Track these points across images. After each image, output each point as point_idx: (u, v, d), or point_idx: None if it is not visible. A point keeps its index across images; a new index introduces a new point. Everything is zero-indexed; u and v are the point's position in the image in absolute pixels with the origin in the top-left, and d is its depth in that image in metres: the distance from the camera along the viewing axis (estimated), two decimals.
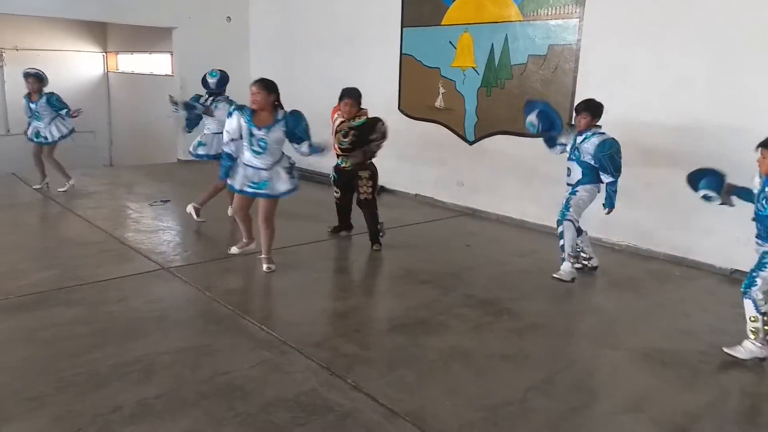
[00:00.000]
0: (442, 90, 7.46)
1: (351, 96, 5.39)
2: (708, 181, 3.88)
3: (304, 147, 4.78)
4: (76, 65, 13.78)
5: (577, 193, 4.85)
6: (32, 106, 7.36)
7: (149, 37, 11.60)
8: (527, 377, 3.40)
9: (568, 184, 4.95)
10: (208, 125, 6.44)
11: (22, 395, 2.99)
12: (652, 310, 4.42)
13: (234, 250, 5.29)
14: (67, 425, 2.76)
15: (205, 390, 3.09)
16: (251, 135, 4.61)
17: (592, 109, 4.79)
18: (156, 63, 12.27)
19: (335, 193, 5.83)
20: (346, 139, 5.39)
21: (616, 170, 4.66)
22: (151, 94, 12.09)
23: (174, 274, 4.82)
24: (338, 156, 5.52)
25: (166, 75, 11.44)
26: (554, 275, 4.90)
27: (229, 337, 3.75)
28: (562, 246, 4.89)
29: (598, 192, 4.88)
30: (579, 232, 5.01)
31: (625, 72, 5.73)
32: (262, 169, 4.69)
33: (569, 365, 3.66)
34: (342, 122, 5.42)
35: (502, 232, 6.57)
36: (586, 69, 6.06)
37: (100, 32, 13.83)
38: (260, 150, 4.63)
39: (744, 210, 4.02)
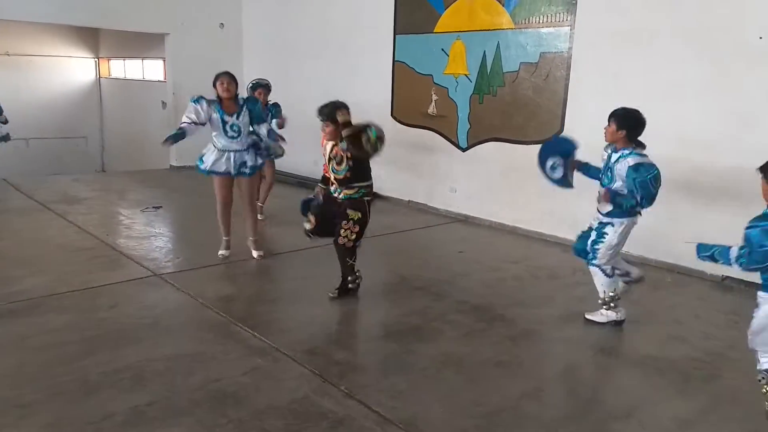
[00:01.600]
0: (434, 97, 7.49)
1: (331, 118, 4.35)
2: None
3: (263, 128, 5.28)
4: (68, 71, 13.77)
5: (606, 236, 4.00)
6: None
7: (142, 43, 11.60)
8: (520, 384, 3.40)
9: (598, 211, 4.08)
10: None
11: (12, 402, 2.97)
12: (645, 317, 4.44)
13: (223, 252, 5.40)
14: None
15: (198, 397, 3.08)
16: (224, 122, 5.07)
17: (621, 119, 3.88)
18: (148, 69, 12.26)
19: (306, 223, 4.57)
20: (342, 166, 4.37)
21: (647, 201, 3.83)
22: (143, 100, 12.08)
23: (166, 281, 4.80)
24: (331, 184, 4.51)
25: (159, 81, 11.44)
26: (587, 316, 4.29)
27: (221, 344, 3.73)
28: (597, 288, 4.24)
29: (635, 224, 4.04)
30: (612, 273, 4.15)
31: (616, 79, 5.78)
32: (242, 150, 5.18)
33: (562, 372, 3.67)
34: (333, 146, 4.41)
35: (495, 238, 6.58)
36: (577, 76, 6.10)
37: (92, 38, 13.81)
38: (235, 134, 5.12)
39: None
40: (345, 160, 4.36)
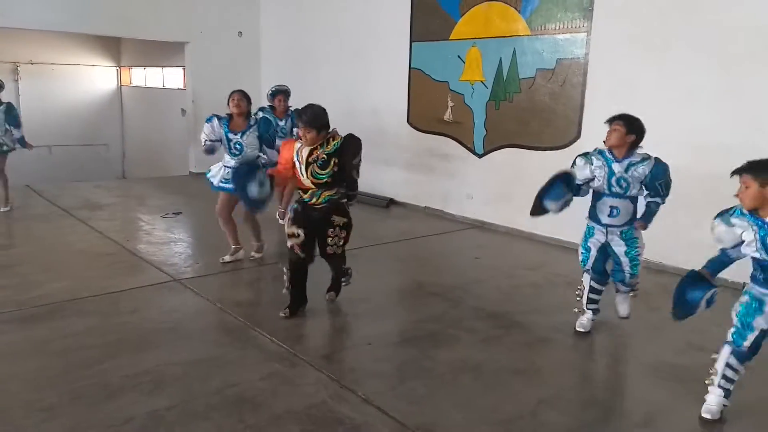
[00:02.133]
0: (450, 103, 7.50)
1: (312, 124, 4.03)
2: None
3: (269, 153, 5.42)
4: (90, 79, 13.98)
5: (639, 243, 3.96)
6: None
7: (162, 52, 11.76)
8: (538, 391, 3.38)
9: (611, 225, 3.93)
10: None
11: (34, 406, 3.02)
12: (664, 324, 4.38)
13: (226, 258, 5.46)
14: None
15: (216, 402, 3.11)
16: (229, 140, 5.18)
17: (632, 124, 3.82)
18: (168, 77, 12.43)
19: (296, 235, 4.22)
20: (326, 171, 4.08)
21: (667, 194, 3.90)
22: (163, 108, 12.24)
23: (185, 286, 4.86)
24: (305, 192, 4.19)
25: (179, 89, 11.58)
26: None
27: (239, 348, 3.76)
28: (619, 309, 4.19)
29: None
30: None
31: (632, 86, 5.74)
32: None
33: (580, 379, 3.65)
34: (313, 150, 4.09)
35: (512, 244, 6.56)
36: (594, 83, 6.07)
37: (113, 47, 14.03)
38: (236, 152, 5.19)
39: None
40: (331, 164, 4.09)
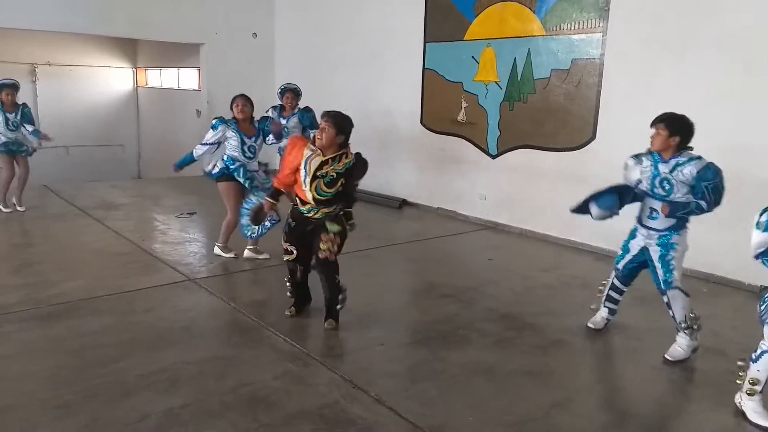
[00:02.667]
0: (464, 104, 7.48)
1: (336, 122, 3.88)
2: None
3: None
4: (107, 80, 14.14)
5: (676, 248, 3.76)
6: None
7: (177, 53, 11.86)
8: (551, 394, 3.36)
9: (651, 228, 3.81)
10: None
11: (50, 404, 3.06)
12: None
13: (233, 254, 5.60)
14: None
15: (230, 401, 3.12)
16: (243, 143, 5.30)
17: (675, 125, 3.65)
18: (184, 78, 12.52)
19: (290, 252, 4.13)
20: (332, 189, 3.90)
21: (716, 203, 3.64)
22: (178, 109, 12.34)
23: (200, 285, 4.89)
24: (303, 204, 4.00)
25: (194, 90, 11.67)
26: (667, 356, 3.81)
27: (253, 348, 3.78)
28: (675, 317, 3.81)
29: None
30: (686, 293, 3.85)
31: (648, 86, 5.70)
32: (254, 171, 5.40)
33: (594, 382, 3.63)
34: (323, 164, 3.88)
35: (525, 246, 6.53)
36: (609, 83, 6.03)
37: (130, 48, 14.17)
38: (251, 155, 5.37)
39: None
40: (338, 184, 3.90)
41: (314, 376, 3.43)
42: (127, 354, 3.61)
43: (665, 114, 3.70)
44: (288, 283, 4.34)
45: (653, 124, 3.71)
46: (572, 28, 6.27)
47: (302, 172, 3.91)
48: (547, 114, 6.60)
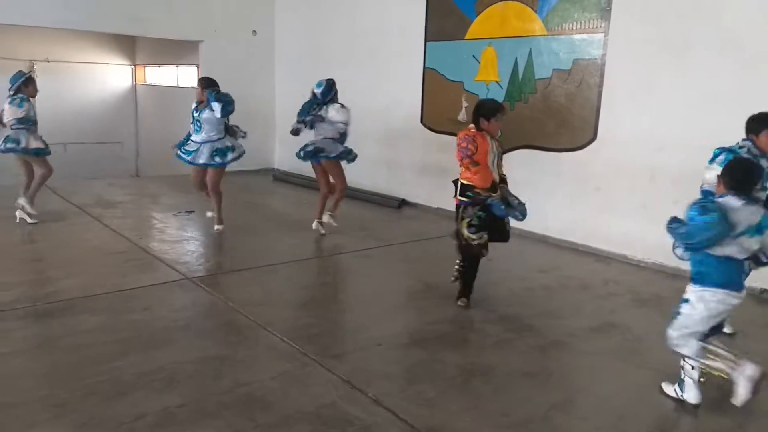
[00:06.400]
0: (465, 104, 7.46)
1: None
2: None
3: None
4: (105, 77, 14.10)
5: None
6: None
7: (176, 51, 11.82)
8: (549, 395, 3.35)
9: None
10: (318, 131, 6.33)
11: (46, 402, 3.04)
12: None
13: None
14: None
15: (227, 400, 3.11)
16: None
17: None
18: (182, 76, 12.49)
19: (481, 238, 4.37)
20: (502, 162, 4.58)
21: None
22: (177, 106, 12.30)
23: (197, 284, 4.87)
24: (484, 190, 4.32)
25: (193, 87, 11.62)
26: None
27: (250, 347, 3.77)
28: None
29: None
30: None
31: (650, 87, 5.68)
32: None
33: (593, 384, 3.61)
34: (494, 143, 4.46)
35: (525, 247, 6.51)
36: (611, 84, 6.01)
37: (129, 45, 14.13)
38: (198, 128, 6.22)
39: None
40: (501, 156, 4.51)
41: (312, 377, 3.41)
42: (123, 352, 3.59)
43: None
44: (462, 272, 4.59)
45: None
46: (574, 28, 6.25)
47: (490, 156, 4.37)
48: (548, 114, 6.59)
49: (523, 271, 5.63)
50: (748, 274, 3.37)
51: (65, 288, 4.63)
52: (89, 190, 8.42)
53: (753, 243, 2.96)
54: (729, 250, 2.95)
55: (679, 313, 3.17)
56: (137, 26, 9.74)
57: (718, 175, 3.16)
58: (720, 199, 3.00)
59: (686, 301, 3.14)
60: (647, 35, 5.69)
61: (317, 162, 6.24)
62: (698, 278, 3.10)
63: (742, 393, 3.04)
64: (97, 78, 13.94)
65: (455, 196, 4.52)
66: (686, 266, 5.46)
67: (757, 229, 2.94)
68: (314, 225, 6.46)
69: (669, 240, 3.93)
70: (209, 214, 6.58)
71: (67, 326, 3.97)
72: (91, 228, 6.55)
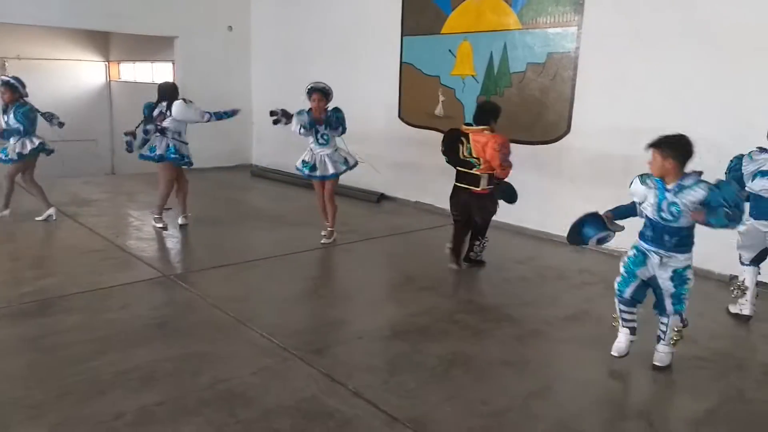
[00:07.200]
0: (442, 98, 7.50)
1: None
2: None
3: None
4: (78, 74, 13.90)
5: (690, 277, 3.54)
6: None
7: (151, 46, 11.69)
8: (528, 383, 3.40)
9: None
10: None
11: (23, 402, 3.01)
12: (652, 317, 4.41)
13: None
14: None
15: (207, 397, 3.10)
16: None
17: (672, 148, 3.36)
18: (158, 72, 12.35)
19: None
20: None
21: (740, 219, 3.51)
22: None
23: (176, 282, 4.84)
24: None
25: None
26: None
27: (230, 344, 3.76)
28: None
29: None
30: None
31: (623, 80, 5.76)
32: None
33: (570, 371, 3.67)
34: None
35: (502, 238, 6.56)
36: (584, 77, 6.08)
37: (102, 41, 13.93)
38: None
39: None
40: None
41: (292, 371, 3.42)
42: (101, 352, 3.56)
43: (659, 139, 3.41)
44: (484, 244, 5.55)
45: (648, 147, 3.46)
46: (548, 21, 6.31)
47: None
48: (523, 107, 6.64)
49: (501, 263, 5.68)
50: None
51: (41, 288, 4.56)
52: (63, 189, 8.29)
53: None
54: None
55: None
56: (112, 22, 9.59)
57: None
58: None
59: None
60: (620, 28, 5.77)
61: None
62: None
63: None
64: (70, 75, 13.73)
65: (483, 187, 5.21)
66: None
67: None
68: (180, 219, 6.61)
69: (638, 228, 4.01)
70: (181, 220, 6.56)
71: (44, 326, 3.92)
72: (67, 227, 6.46)
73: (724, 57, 5.12)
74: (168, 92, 6.27)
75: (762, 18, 4.90)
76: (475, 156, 5.12)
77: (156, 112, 6.23)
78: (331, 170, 5.85)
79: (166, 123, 6.14)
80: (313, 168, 5.86)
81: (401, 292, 4.92)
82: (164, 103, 6.21)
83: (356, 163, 6.03)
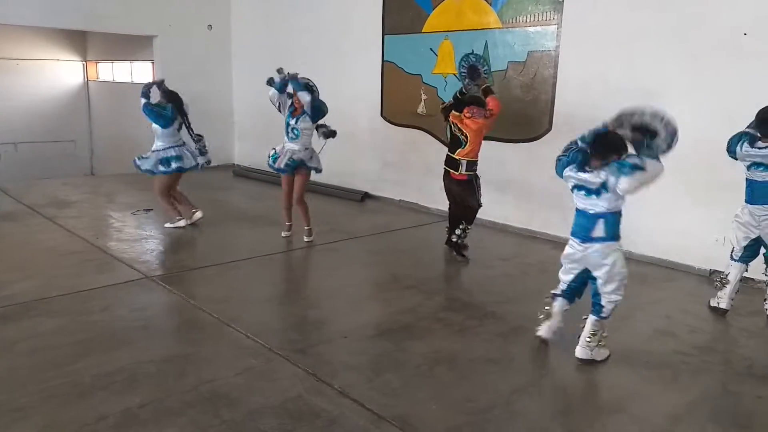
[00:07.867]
0: (424, 96, 7.52)
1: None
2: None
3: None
4: (56, 74, 13.67)
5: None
6: None
7: (130, 46, 11.54)
8: (512, 380, 3.43)
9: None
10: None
11: (5, 407, 2.97)
12: (632, 312, 4.48)
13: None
14: None
15: (191, 398, 3.08)
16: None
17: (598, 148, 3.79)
18: (137, 71, 12.21)
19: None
20: None
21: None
22: (132, 103, 12.02)
23: (158, 283, 4.80)
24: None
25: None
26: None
27: (213, 345, 3.74)
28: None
29: None
30: None
31: (603, 78, 5.82)
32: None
33: (553, 368, 3.71)
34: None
35: (486, 236, 6.61)
36: (565, 75, 6.14)
37: (80, 41, 13.72)
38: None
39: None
40: None
41: (277, 371, 3.41)
42: (82, 354, 3.52)
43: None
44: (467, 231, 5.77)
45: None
46: (528, 20, 6.36)
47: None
48: (504, 106, 6.64)
49: (485, 260, 5.72)
50: None
51: (20, 291, 4.50)
52: (42, 190, 8.17)
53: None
54: None
55: None
56: (89, 21, 9.45)
57: None
58: None
59: None
60: (598, 26, 5.83)
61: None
62: None
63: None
64: (47, 75, 13.51)
65: (461, 173, 5.56)
66: (638, 251, 5.63)
67: None
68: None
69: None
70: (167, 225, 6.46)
71: (24, 330, 3.87)
72: (46, 229, 6.36)
73: (702, 54, 5.20)
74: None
75: (737, 13, 4.98)
76: (464, 135, 5.53)
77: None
78: (296, 158, 5.80)
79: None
80: (279, 159, 5.85)
81: (385, 291, 4.93)
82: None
83: (320, 171, 6.03)
